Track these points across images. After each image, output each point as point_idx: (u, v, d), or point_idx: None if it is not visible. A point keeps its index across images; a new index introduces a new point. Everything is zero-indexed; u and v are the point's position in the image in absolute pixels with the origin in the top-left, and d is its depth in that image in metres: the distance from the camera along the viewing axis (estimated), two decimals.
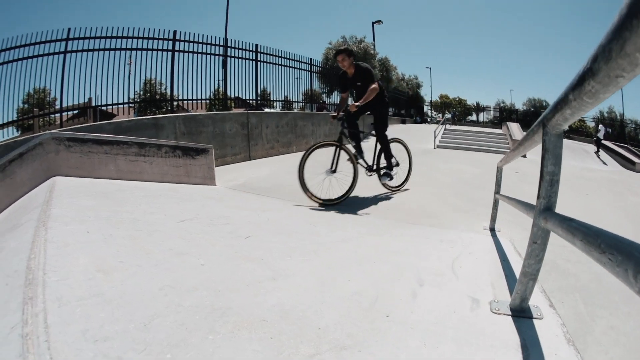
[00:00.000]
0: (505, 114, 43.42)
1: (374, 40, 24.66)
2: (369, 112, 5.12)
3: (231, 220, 2.91)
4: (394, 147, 5.39)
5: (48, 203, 2.57)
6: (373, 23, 26.01)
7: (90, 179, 3.93)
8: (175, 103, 9.81)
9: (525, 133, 2.89)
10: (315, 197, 4.45)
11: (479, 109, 52.49)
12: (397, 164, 5.41)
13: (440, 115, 47.07)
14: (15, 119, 8.29)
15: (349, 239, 2.77)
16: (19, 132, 9.67)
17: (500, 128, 20.57)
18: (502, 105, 49.66)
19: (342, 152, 4.69)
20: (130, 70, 8.63)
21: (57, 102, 8.17)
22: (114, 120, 7.61)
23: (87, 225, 2.19)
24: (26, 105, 11.33)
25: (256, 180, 6.19)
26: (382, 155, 5.24)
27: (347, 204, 4.57)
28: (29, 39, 7.44)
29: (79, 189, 3.30)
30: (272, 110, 13.17)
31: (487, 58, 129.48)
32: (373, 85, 4.65)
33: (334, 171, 4.60)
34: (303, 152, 4.54)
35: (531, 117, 40.18)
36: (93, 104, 8.55)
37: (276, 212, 3.69)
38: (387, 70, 24.55)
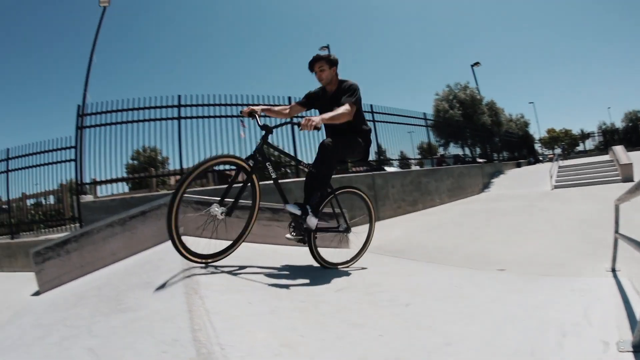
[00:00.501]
0: (608, 137, 42.39)
1: (476, 83, 24.00)
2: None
3: (384, 288, 2.98)
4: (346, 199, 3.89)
5: (190, 268, 2.67)
6: (472, 66, 25.26)
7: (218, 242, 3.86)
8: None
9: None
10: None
11: (583, 136, 50.77)
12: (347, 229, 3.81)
13: (551, 151, 47.08)
14: (125, 175, 8.87)
15: (496, 298, 2.86)
16: (129, 187, 10.26)
17: (607, 153, 18.77)
18: (603, 127, 46.84)
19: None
20: (243, 133, 9.04)
21: (170, 162, 8.63)
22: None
23: (247, 296, 2.23)
24: (135, 162, 12.28)
25: (390, 242, 6.25)
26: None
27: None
28: (144, 103, 8.34)
29: None
30: (392, 169, 13.33)
31: (582, 79, 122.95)
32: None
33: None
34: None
35: (631, 133, 39.21)
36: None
37: (421, 276, 3.77)
38: (496, 113, 23.14)
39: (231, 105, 8.87)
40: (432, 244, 4.55)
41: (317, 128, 2.94)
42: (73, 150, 8.06)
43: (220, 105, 8.77)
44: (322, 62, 3.41)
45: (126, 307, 2.33)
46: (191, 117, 8.54)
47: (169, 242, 2.78)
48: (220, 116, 8.77)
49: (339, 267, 3.57)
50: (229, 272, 2.77)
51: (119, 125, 8.09)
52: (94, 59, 9.80)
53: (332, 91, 3.49)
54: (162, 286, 2.43)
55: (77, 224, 7.77)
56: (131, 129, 8.18)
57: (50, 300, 3.63)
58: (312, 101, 3.65)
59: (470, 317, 2.32)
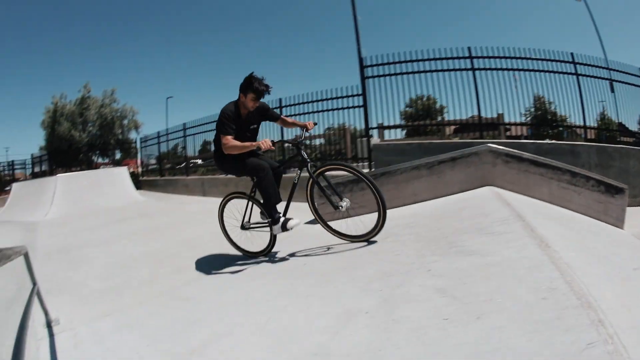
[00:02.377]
0: None
1: None
2: None
3: None
4: None
5: (523, 218, 2.86)
6: None
7: (526, 197, 4.12)
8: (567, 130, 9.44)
9: None
10: None
11: None
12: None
13: None
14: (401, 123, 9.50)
15: None
16: (405, 134, 10.98)
17: None
18: None
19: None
20: (516, 86, 8.69)
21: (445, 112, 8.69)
22: (538, 141, 7.89)
23: (582, 255, 2.36)
24: (409, 109, 13.00)
25: None
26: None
27: None
28: (435, 54, 8.55)
29: (529, 208, 3.48)
30: None
31: None
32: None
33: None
34: None
35: None
36: (503, 121, 9.00)
37: None
38: None
39: (524, 58, 8.53)
40: None
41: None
42: (358, 98, 8.92)
43: (512, 58, 8.51)
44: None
45: (465, 250, 2.54)
46: (485, 69, 8.51)
47: (480, 189, 3.36)
48: (509, 69, 8.52)
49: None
50: (556, 229, 2.87)
51: (400, 75, 8.65)
52: (358, 16, 10.46)
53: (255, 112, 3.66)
54: (502, 234, 2.63)
55: (363, 164, 8.70)
56: (411, 80, 8.65)
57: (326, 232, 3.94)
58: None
59: None
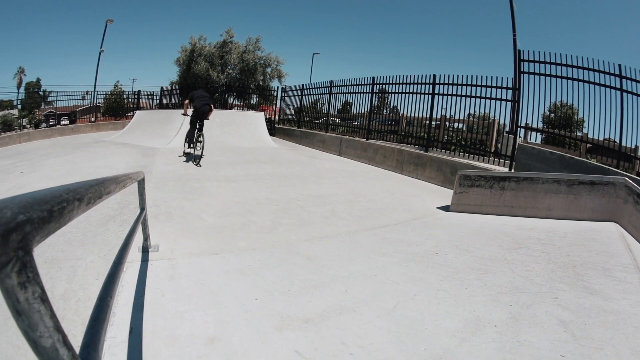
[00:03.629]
0: None
1: None
2: None
3: None
4: None
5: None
6: None
7: None
8: None
9: None
10: None
11: None
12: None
13: None
14: (538, 126, 9.10)
15: None
16: (542, 140, 10.62)
17: None
18: None
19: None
20: None
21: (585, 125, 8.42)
22: None
23: None
24: (552, 115, 12.32)
25: None
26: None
27: None
28: (589, 64, 7.97)
29: None
30: None
31: None
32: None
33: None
34: None
35: None
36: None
37: None
38: None
39: None
40: None
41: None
42: (508, 91, 8.59)
43: None
44: None
45: (589, 287, 2.56)
46: (634, 94, 7.65)
47: (606, 223, 3.31)
48: None
49: None
50: None
51: (555, 78, 8.15)
52: (515, 7, 9.87)
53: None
54: (621, 282, 2.65)
55: (503, 161, 8.40)
56: (563, 84, 8.10)
57: (472, 227, 4.02)
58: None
59: None
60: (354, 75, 19.38)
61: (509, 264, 2.95)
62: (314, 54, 40.26)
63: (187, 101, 8.47)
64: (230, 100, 22.56)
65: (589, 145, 9.23)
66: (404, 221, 4.23)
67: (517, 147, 7.91)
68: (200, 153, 7.56)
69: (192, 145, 7.97)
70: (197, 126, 8.08)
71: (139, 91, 22.92)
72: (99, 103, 21.52)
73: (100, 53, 23.88)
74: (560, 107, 10.36)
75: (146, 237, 2.76)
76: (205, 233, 3.31)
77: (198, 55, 21.51)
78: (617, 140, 7.67)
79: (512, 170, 7.00)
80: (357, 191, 5.85)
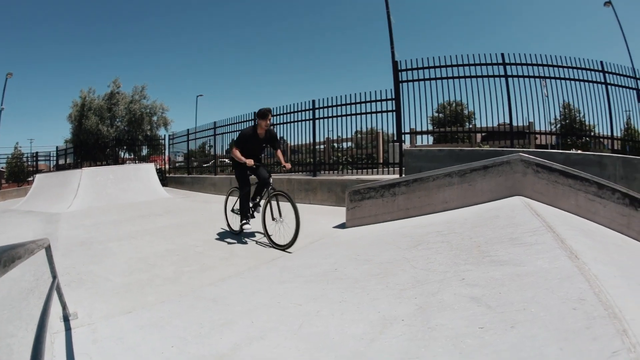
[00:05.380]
0: None
1: None
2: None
3: None
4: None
5: (554, 229, 2.97)
6: None
7: (555, 209, 4.15)
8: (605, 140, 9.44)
9: None
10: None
11: None
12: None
13: None
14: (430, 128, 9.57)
15: None
16: (434, 140, 11.00)
17: None
18: None
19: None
20: (546, 95, 8.65)
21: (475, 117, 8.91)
22: (566, 151, 7.93)
23: (610, 268, 2.38)
24: (438, 115, 12.93)
25: None
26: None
27: None
28: (469, 60, 8.50)
29: (558, 219, 3.54)
30: None
31: None
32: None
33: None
34: None
35: None
36: (534, 129, 8.97)
37: None
38: None
39: (555, 66, 8.49)
40: None
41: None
42: (390, 102, 8.91)
43: (544, 65, 8.48)
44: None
45: (498, 259, 2.62)
46: (518, 76, 8.46)
47: (509, 199, 3.50)
48: (544, 77, 8.48)
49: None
50: (585, 242, 2.94)
51: (434, 80, 8.64)
52: (392, 19, 10.35)
53: (263, 135, 5.30)
54: (534, 245, 2.73)
55: (391, 169, 8.77)
56: (444, 85, 8.63)
57: (368, 238, 4.13)
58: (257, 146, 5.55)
59: None
60: (239, 113, 19.72)
61: (409, 261, 3.03)
62: (197, 96, 39.48)
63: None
64: (122, 154, 22.15)
65: (483, 134, 9.74)
66: (302, 247, 4.37)
67: (403, 152, 8.29)
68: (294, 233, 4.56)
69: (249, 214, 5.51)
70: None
71: (36, 153, 22.27)
72: (2, 168, 20.62)
73: (0, 111, 22.28)
74: (449, 106, 10.85)
75: (64, 306, 2.77)
76: (117, 293, 3.36)
77: (88, 109, 21.00)
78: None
79: (403, 176, 7.28)
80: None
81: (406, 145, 9.15)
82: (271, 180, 5.08)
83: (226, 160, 15.01)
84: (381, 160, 10.14)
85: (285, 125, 10.60)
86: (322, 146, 11.15)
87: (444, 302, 2.17)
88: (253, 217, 5.33)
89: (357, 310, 2.35)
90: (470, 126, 11.63)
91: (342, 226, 5.21)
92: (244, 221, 5.20)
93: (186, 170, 16.25)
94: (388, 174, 8.54)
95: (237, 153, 5.08)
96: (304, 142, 10.18)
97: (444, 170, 4.89)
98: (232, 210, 5.62)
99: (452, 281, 2.43)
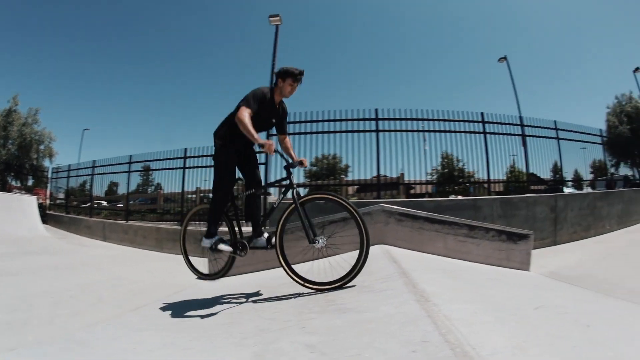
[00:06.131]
0: None
1: None
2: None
3: (568, 310, 2.98)
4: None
5: (408, 275, 2.99)
6: (634, 72, 21.84)
7: (419, 253, 4.29)
8: (485, 184, 10.18)
9: None
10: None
11: None
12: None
13: None
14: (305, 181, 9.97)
15: None
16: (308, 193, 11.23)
17: None
18: None
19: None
20: (425, 148, 9.27)
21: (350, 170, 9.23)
22: (437, 199, 8.47)
23: (470, 306, 2.41)
24: (314, 168, 13.32)
25: (563, 268, 6.23)
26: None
27: None
28: (342, 115, 8.92)
29: (419, 263, 3.66)
30: (569, 190, 13.08)
31: None
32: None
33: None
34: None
35: None
36: (404, 180, 9.46)
37: (595, 304, 3.65)
38: None
39: (421, 120, 9.18)
40: (600, 275, 4.84)
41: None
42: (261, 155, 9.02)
43: (413, 119, 9.15)
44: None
45: (342, 307, 2.57)
46: (388, 131, 8.98)
47: (371, 248, 3.17)
48: (413, 130, 9.11)
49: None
50: (443, 284, 3.01)
51: (308, 135, 8.90)
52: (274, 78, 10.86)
53: (278, 105, 3.59)
54: (383, 291, 2.69)
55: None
56: (319, 139, 8.89)
57: (227, 289, 4.12)
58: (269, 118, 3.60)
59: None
60: (123, 153, 19.05)
61: (257, 311, 3.02)
62: (84, 130, 36.00)
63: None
64: (9, 180, 20.48)
65: (356, 186, 10.15)
66: (164, 297, 4.31)
67: (267, 205, 8.39)
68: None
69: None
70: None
71: None
72: None
73: None
74: (325, 159, 11.23)
75: None
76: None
77: None
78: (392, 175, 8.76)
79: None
80: (121, 275, 6.13)
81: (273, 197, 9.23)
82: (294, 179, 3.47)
83: (103, 202, 14.56)
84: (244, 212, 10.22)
85: (162, 171, 10.61)
86: (193, 195, 11.22)
87: (281, 349, 2.10)
88: (243, 250, 3.54)
89: (200, 357, 2.31)
90: (340, 179, 12.11)
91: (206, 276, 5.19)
92: (216, 239, 3.49)
93: (65, 209, 15.37)
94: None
95: (245, 116, 3.18)
96: (175, 190, 10.27)
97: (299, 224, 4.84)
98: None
99: (293, 330, 2.37)
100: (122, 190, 12.51)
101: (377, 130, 8.77)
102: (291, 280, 3.28)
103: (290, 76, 3.40)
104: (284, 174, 3.39)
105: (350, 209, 3.14)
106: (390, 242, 4.44)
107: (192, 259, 4.24)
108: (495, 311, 2.41)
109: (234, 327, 2.74)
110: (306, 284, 3.19)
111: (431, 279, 3.00)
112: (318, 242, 3.21)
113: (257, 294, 3.61)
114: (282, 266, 3.36)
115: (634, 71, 21.95)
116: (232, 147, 3.45)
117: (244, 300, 3.47)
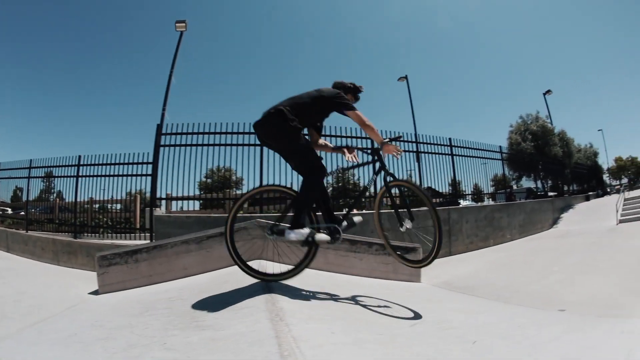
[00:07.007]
0: None
1: (548, 112, 23.62)
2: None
3: (454, 325, 3.04)
4: None
5: (272, 290, 3.03)
6: (544, 94, 24.79)
7: None
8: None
9: None
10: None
11: None
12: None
13: (618, 182, 48.01)
14: (198, 193, 9.95)
15: (554, 338, 2.72)
16: (201, 205, 11.29)
17: None
18: None
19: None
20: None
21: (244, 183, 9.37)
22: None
23: (329, 325, 2.42)
24: (209, 181, 13.26)
25: (459, 278, 6.49)
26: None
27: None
28: (225, 128, 8.96)
29: (295, 278, 3.61)
30: (466, 202, 13.88)
31: None
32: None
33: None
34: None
35: None
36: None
37: (489, 315, 3.77)
38: (567, 144, 22.76)
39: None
40: (500, 282, 5.17)
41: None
42: (148, 165, 8.87)
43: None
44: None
45: (204, 324, 2.58)
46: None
47: (249, 263, 3.35)
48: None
49: None
50: (309, 301, 3.05)
51: (199, 147, 8.84)
52: (173, 80, 10.75)
53: None
54: (243, 309, 2.70)
55: (147, 234, 8.58)
56: (210, 150, 8.89)
57: (112, 304, 4.05)
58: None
59: (528, 355, 2.36)
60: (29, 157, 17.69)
61: (132, 327, 2.96)
62: None
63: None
64: None
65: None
66: (59, 311, 4.09)
67: (154, 218, 8.30)
68: None
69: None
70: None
71: None
72: None
73: None
74: (218, 171, 11.29)
75: None
76: None
77: None
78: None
79: (152, 242, 7.37)
80: (23, 289, 5.62)
81: (161, 211, 9.06)
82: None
83: (8, 210, 13.48)
84: (138, 225, 10.18)
85: (61, 179, 9.98)
86: (86, 206, 10.73)
87: None
88: (339, 236, 3.31)
89: None
90: (229, 192, 12.22)
91: (96, 292, 5.01)
92: (311, 229, 3.23)
93: None
94: (143, 239, 8.45)
95: (368, 119, 3.30)
96: (70, 200, 9.77)
97: (181, 238, 4.88)
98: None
99: (155, 346, 2.38)
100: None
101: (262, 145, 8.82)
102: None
103: (355, 97, 3.64)
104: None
105: (424, 198, 3.34)
106: (270, 257, 4.19)
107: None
108: (359, 331, 2.40)
109: (109, 342, 2.69)
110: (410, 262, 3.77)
111: (296, 296, 3.02)
112: (404, 226, 3.51)
113: (135, 309, 3.57)
114: (384, 240, 3.83)
115: (545, 94, 24.56)
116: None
117: (124, 316, 3.43)
